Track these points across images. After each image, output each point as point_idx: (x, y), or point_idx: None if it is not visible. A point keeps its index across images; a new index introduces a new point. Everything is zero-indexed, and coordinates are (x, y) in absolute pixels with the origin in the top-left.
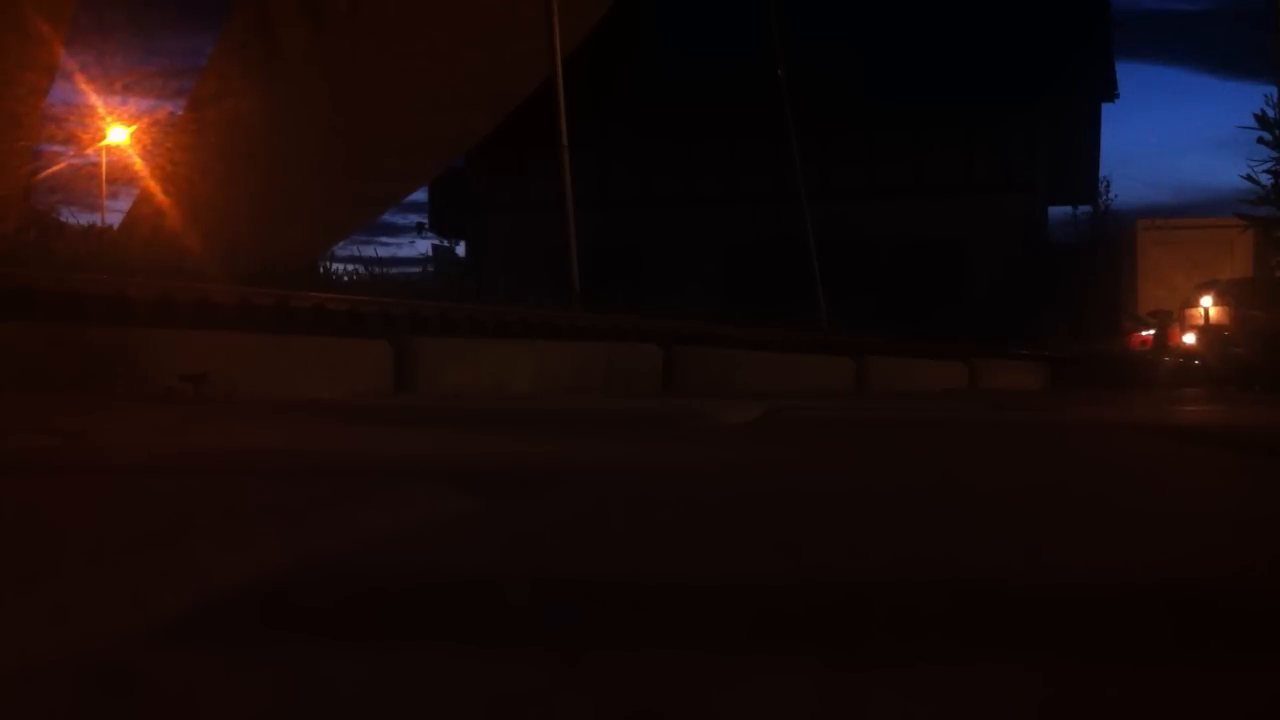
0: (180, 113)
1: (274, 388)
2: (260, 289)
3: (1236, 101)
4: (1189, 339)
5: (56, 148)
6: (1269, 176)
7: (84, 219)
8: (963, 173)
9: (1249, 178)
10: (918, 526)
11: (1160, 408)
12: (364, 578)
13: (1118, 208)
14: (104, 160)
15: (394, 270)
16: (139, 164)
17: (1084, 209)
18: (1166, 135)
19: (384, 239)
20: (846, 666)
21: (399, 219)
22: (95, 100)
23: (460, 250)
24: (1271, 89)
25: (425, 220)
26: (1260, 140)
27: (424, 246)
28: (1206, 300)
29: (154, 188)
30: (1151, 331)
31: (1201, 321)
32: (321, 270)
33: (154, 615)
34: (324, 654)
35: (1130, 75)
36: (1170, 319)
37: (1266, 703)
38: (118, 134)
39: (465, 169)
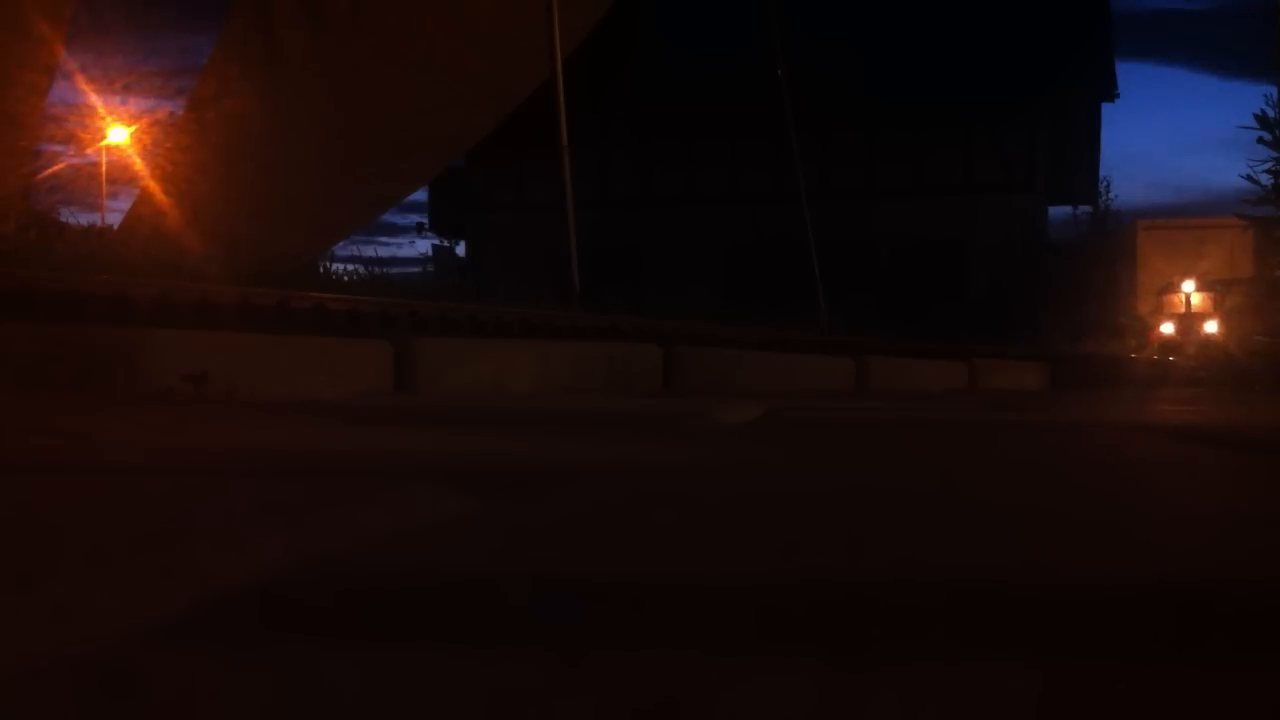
0: (180, 113)
1: (274, 388)
2: (260, 289)
3: (1236, 101)
4: (1166, 328)
5: (56, 148)
6: (1269, 176)
7: (84, 219)
8: (963, 173)
9: (1249, 178)
10: (918, 526)
11: (1160, 408)
12: (364, 577)
13: (1118, 208)
14: (104, 160)
15: (394, 270)
16: (139, 164)
17: (1084, 209)
18: (1166, 135)
19: (384, 239)
20: (847, 666)
21: (399, 219)
22: (95, 100)
23: (460, 250)
24: (1271, 89)
25: (425, 220)
26: (1260, 140)
27: (424, 246)
28: (1188, 286)
29: (154, 188)
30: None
31: (1181, 309)
32: (321, 270)
33: (154, 615)
34: (324, 654)
35: (1130, 75)
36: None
37: (1268, 703)
38: (118, 134)
39: (465, 169)
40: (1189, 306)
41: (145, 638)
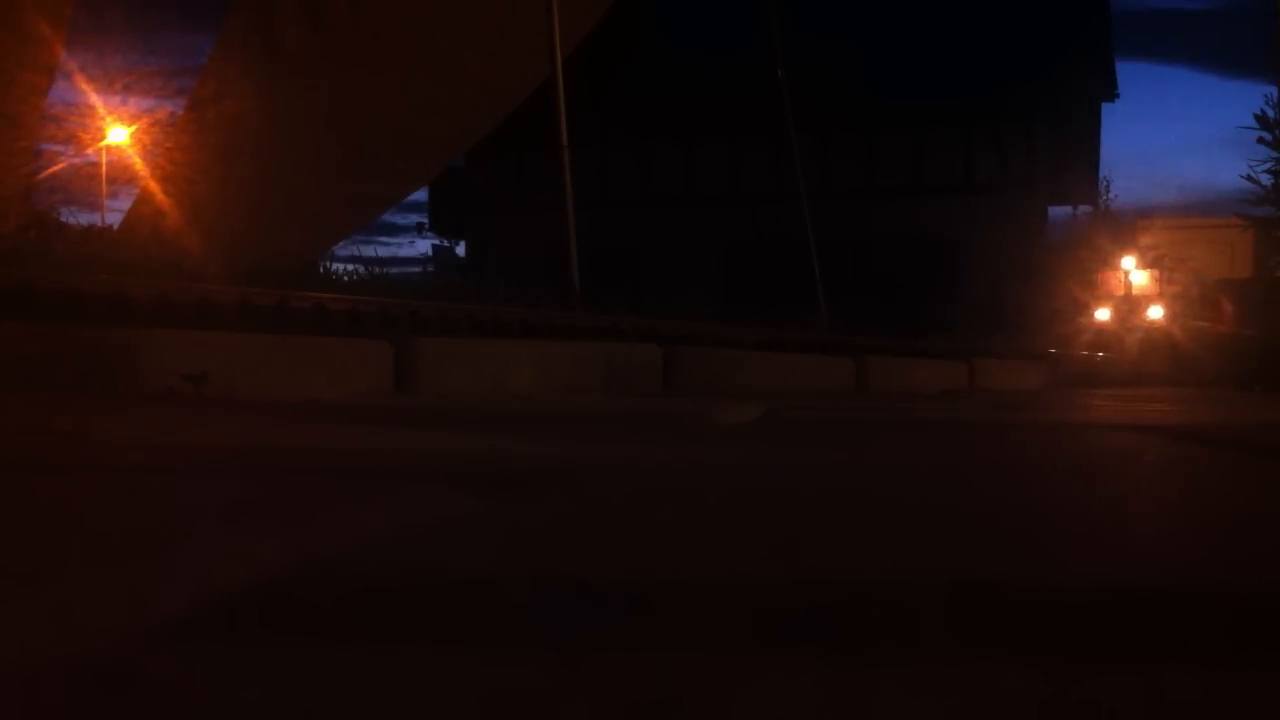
0: (180, 113)
1: (274, 387)
2: (260, 289)
3: (1236, 101)
4: (1101, 315)
5: (56, 148)
6: (1269, 176)
7: (84, 219)
8: (963, 172)
9: (1249, 178)
10: (918, 526)
11: (1160, 407)
12: (364, 577)
13: (1118, 208)
14: (104, 160)
15: (394, 270)
16: (139, 164)
17: (1084, 209)
18: (1166, 135)
19: (384, 239)
20: (847, 666)
21: (399, 219)
22: (95, 100)
23: (460, 250)
24: (1271, 89)
25: (425, 220)
26: (1260, 140)
27: (424, 246)
28: (1128, 262)
29: (154, 188)
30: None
31: (1121, 291)
32: (321, 270)
33: (154, 615)
34: (324, 654)
35: (1130, 75)
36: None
37: (1269, 702)
38: (118, 134)
39: (465, 169)
40: (1129, 289)
41: (145, 638)
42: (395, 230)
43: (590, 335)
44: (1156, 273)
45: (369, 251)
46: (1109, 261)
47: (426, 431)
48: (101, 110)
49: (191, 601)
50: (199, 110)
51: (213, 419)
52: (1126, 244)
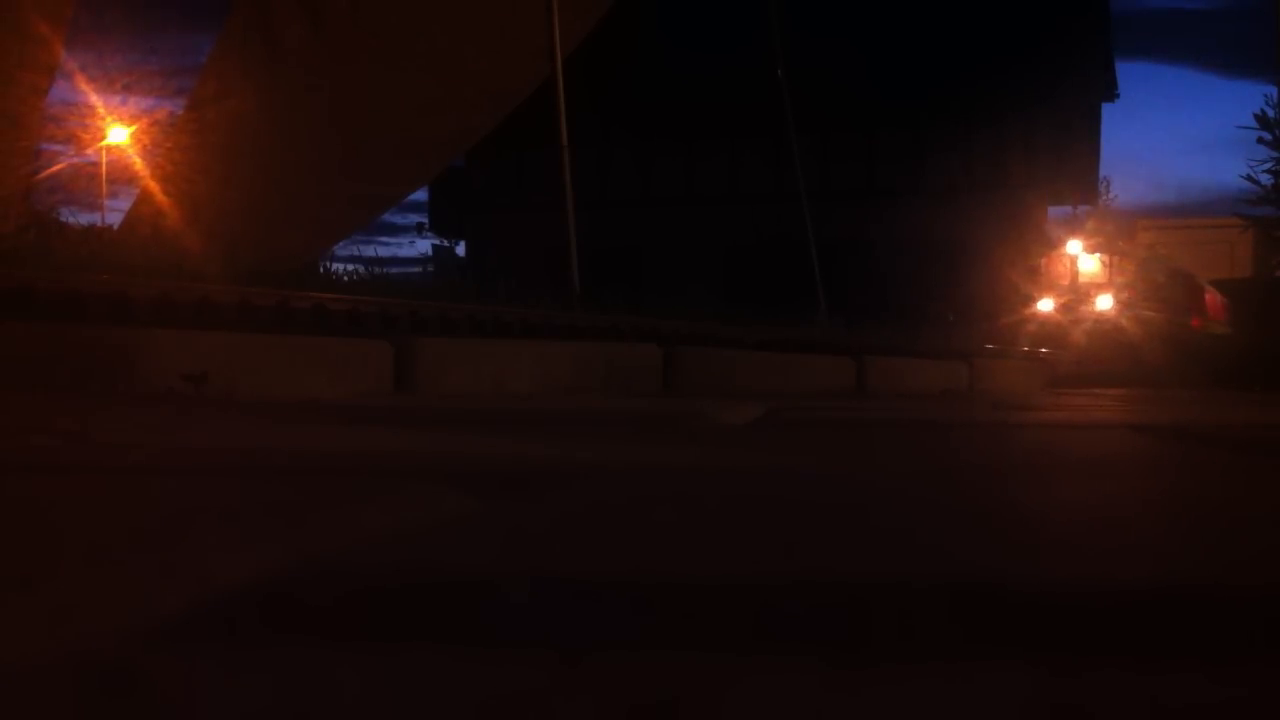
0: (180, 113)
1: (274, 387)
2: (260, 289)
3: (1237, 101)
4: (1045, 305)
5: (56, 148)
6: (1269, 176)
7: (84, 219)
8: (963, 173)
9: (1249, 178)
10: (918, 527)
11: (1159, 407)
12: (364, 578)
13: (1118, 208)
14: (104, 160)
15: (394, 270)
16: (139, 164)
17: (1084, 209)
18: (1167, 135)
19: (384, 239)
20: (848, 667)
21: (399, 219)
22: (95, 100)
23: (460, 250)
24: (1271, 89)
25: (425, 220)
26: (1260, 140)
27: (424, 246)
28: (1074, 246)
29: (154, 188)
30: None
31: (1066, 280)
32: (321, 270)
33: (154, 615)
34: (324, 654)
35: (1130, 75)
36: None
37: (1271, 703)
38: (118, 134)
39: (465, 169)
40: (1076, 277)
41: (145, 638)
42: (395, 230)
43: (590, 335)
44: (1106, 258)
45: (369, 251)
46: (1054, 246)
47: (426, 431)
48: (101, 110)
49: (191, 601)
50: (199, 110)
51: (212, 419)
52: (1074, 228)
